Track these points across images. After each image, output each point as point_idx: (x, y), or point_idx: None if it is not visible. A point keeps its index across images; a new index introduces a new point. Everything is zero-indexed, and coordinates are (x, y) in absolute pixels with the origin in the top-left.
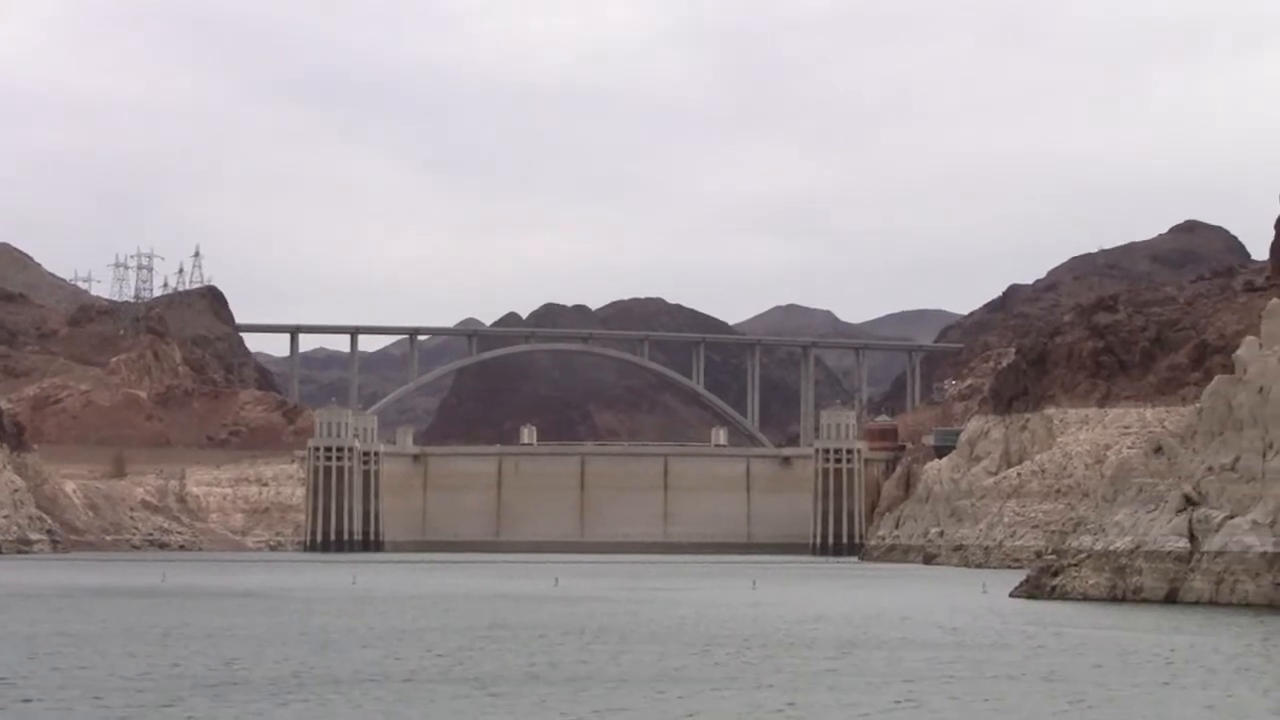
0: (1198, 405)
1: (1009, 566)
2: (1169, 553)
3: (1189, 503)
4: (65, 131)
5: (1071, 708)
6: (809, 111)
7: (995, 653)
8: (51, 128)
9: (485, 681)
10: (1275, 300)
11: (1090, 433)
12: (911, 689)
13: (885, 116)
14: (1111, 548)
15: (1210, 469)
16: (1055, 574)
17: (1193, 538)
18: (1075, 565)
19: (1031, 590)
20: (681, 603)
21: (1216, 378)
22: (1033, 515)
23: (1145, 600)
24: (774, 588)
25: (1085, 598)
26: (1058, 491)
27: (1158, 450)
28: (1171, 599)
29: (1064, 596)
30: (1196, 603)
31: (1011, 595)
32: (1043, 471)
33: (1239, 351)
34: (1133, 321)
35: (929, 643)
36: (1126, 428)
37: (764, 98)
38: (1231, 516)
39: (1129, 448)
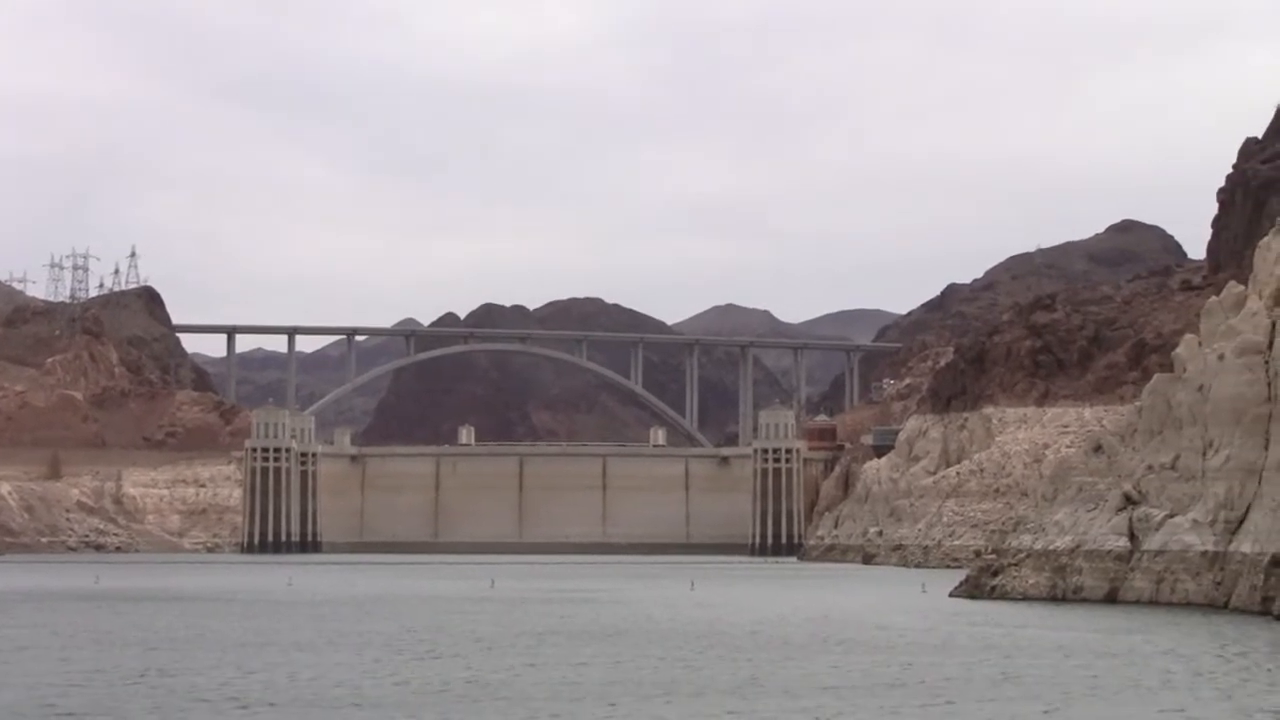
0: (1137, 404)
1: (948, 566)
2: (1109, 552)
3: (1129, 502)
4: (0, 129)
5: (1032, 712)
6: (746, 112)
7: (944, 655)
8: None
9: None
10: (1214, 299)
11: (1029, 432)
12: (842, 701)
13: (822, 117)
14: (1051, 547)
15: (1150, 468)
16: (995, 574)
17: (1133, 537)
18: (1015, 565)
19: (971, 590)
20: (621, 604)
21: (1156, 376)
22: (971, 515)
23: (1085, 600)
24: (714, 589)
25: (1025, 597)
26: (996, 491)
27: (1097, 449)
28: (1112, 598)
29: (1004, 596)
30: (1137, 602)
31: (951, 595)
32: (981, 471)
33: (1178, 350)
34: (1070, 321)
35: (872, 645)
36: (1065, 427)
37: (701, 98)
38: (1172, 515)
39: (1067, 447)
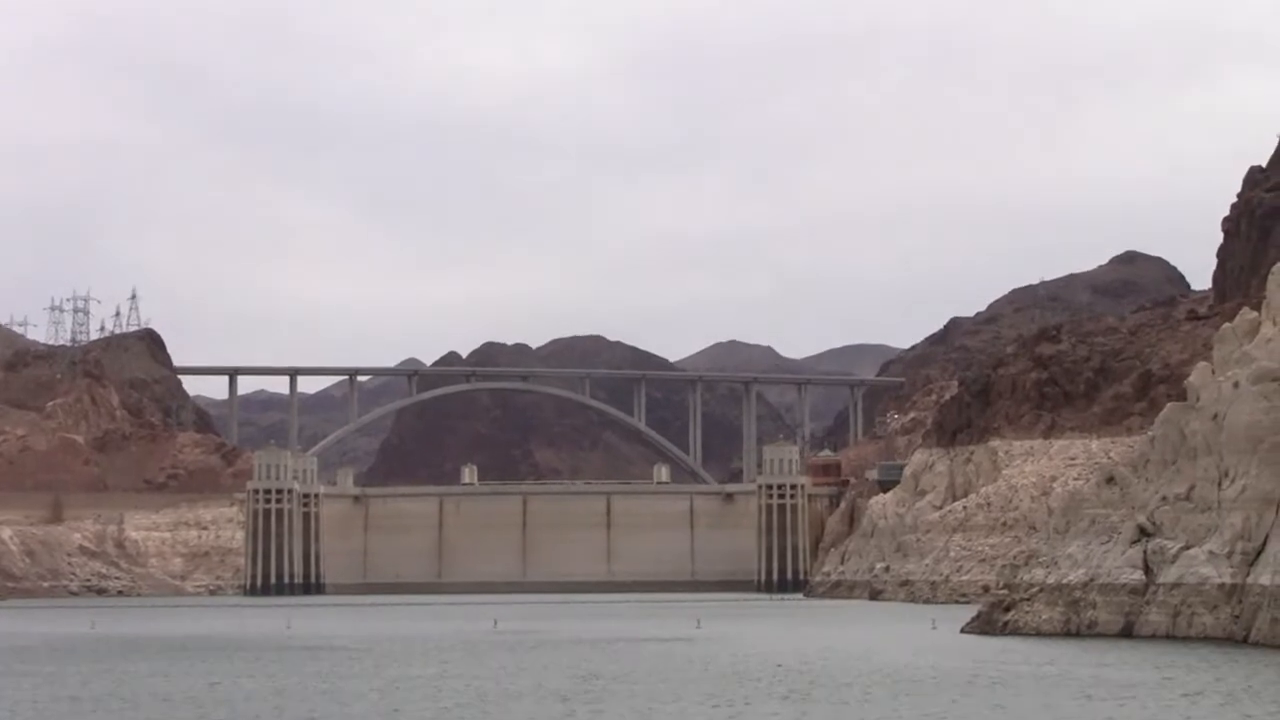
0: (1149, 434)
1: (956, 601)
2: (1124, 585)
3: (1143, 533)
4: None
5: None
6: (744, 147)
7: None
8: None
9: None
10: (1227, 325)
11: (1035, 464)
12: None
13: (821, 151)
14: (1065, 581)
15: (1164, 499)
16: (1008, 609)
17: (1148, 569)
18: (1028, 600)
19: (983, 626)
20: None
21: (1169, 405)
22: (979, 549)
23: (1100, 634)
24: (721, 626)
25: (1038, 633)
26: (1004, 525)
27: (1110, 480)
28: (1127, 633)
29: (1016, 632)
30: (1153, 636)
31: (963, 631)
32: (988, 504)
33: (1191, 379)
34: (1076, 352)
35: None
36: (1072, 459)
37: (698, 133)
38: (1187, 547)
39: (1075, 479)
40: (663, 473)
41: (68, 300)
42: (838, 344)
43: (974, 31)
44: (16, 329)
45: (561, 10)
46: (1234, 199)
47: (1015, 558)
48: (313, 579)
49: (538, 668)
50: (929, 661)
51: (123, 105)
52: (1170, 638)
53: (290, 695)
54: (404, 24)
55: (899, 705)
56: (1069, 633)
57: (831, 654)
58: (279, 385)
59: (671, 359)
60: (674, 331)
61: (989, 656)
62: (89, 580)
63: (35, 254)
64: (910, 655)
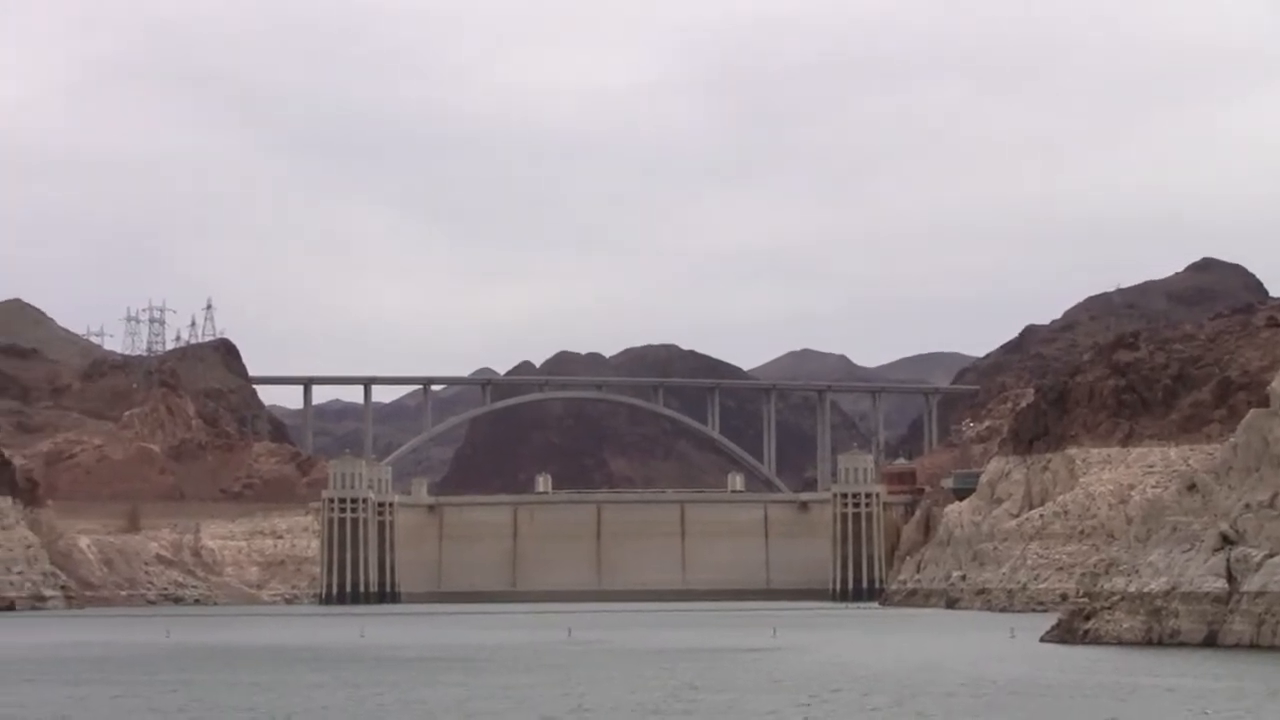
0: (1231, 440)
1: (1034, 610)
2: (1207, 594)
3: (1226, 541)
4: (75, 186)
5: None
6: (813, 155)
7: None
8: (62, 182)
9: None
10: None
11: (1113, 472)
12: None
13: (890, 159)
14: (1146, 589)
15: (1247, 505)
16: (1088, 617)
17: (1231, 578)
18: (1109, 608)
19: (1063, 635)
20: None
21: (1251, 412)
22: (1057, 557)
23: (1183, 644)
24: (798, 635)
25: (1119, 642)
26: (1081, 533)
27: (1191, 487)
28: (1210, 642)
29: (1097, 641)
30: (1237, 645)
31: (1042, 640)
32: (1066, 513)
33: (1274, 385)
34: (1154, 359)
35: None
36: (1150, 467)
37: (767, 143)
38: (1271, 555)
39: (1153, 487)
40: (737, 481)
41: (143, 310)
42: (911, 352)
43: (1041, 40)
44: (93, 339)
45: (627, 22)
46: None
47: (1094, 566)
48: (387, 588)
49: (623, 678)
50: (1020, 671)
51: (195, 117)
52: (1255, 647)
53: (366, 704)
54: (472, 35)
55: (1012, 716)
56: (1150, 642)
57: (918, 663)
58: (354, 394)
59: (745, 367)
60: (746, 341)
61: (1081, 665)
62: (166, 589)
63: (111, 265)
64: (997, 664)
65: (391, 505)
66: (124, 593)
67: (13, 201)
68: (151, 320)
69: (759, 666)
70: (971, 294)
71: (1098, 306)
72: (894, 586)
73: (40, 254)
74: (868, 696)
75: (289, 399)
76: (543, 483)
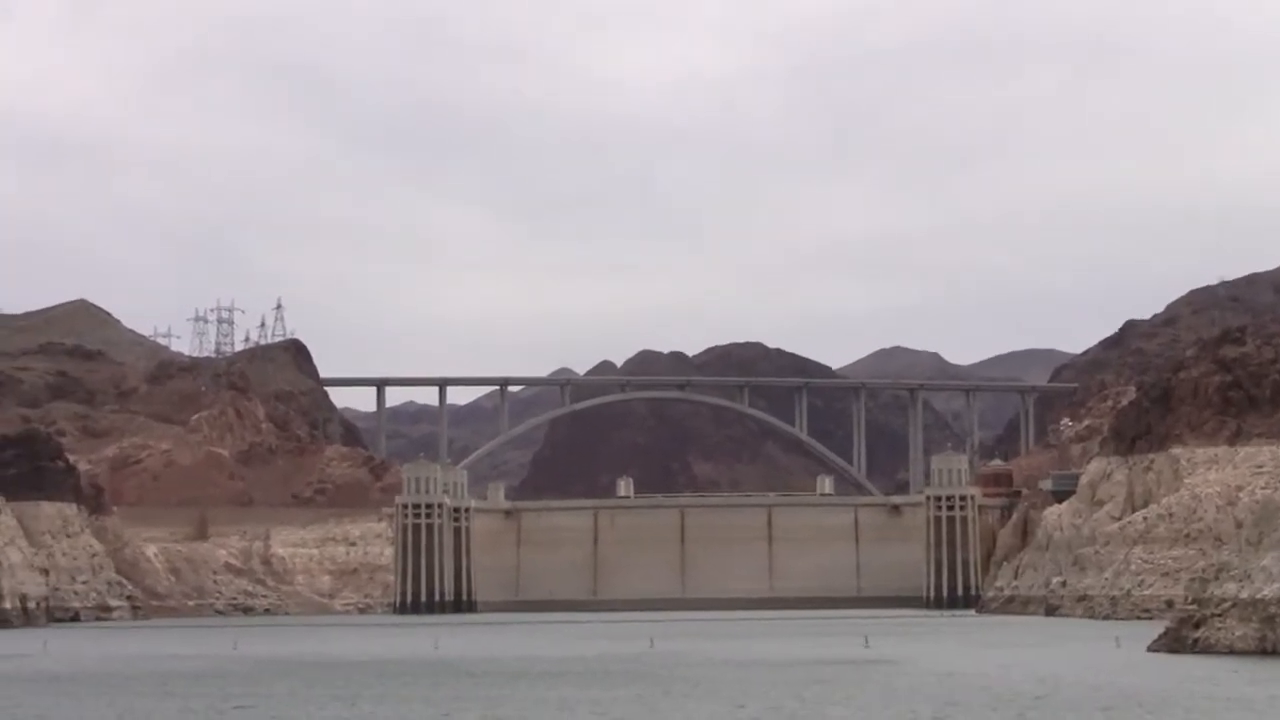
0: None
1: (1138, 617)
2: None
3: None
4: (142, 185)
5: None
6: (900, 147)
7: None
8: (129, 181)
9: None
10: None
11: (1220, 473)
12: None
13: (980, 152)
14: (1259, 595)
15: None
16: (1197, 625)
17: None
18: (1219, 615)
19: (1172, 644)
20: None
21: None
22: (1162, 562)
23: None
24: (893, 645)
25: (1232, 651)
26: (1188, 536)
27: None
28: None
29: (1208, 650)
30: None
31: (1150, 649)
32: (1170, 515)
33: None
34: (1262, 354)
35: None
36: (1259, 467)
37: (853, 134)
38: None
39: (1263, 488)
40: (826, 484)
41: (211, 311)
42: (1006, 349)
43: (1137, 29)
44: (160, 340)
45: (716, 13)
46: None
47: (1202, 571)
48: (463, 597)
49: (723, 690)
50: (1141, 683)
51: (265, 113)
52: None
53: None
54: (557, 27)
55: None
56: (1265, 650)
57: (1029, 675)
58: (428, 396)
59: (833, 366)
60: (835, 338)
61: (1198, 676)
62: (235, 599)
63: (178, 265)
64: (1110, 676)
65: (468, 511)
66: (191, 602)
67: (81, 200)
68: (220, 320)
69: (849, 679)
70: (1069, 288)
71: (1201, 300)
72: (990, 593)
73: (106, 253)
74: (990, 712)
75: (361, 401)
76: (624, 486)
